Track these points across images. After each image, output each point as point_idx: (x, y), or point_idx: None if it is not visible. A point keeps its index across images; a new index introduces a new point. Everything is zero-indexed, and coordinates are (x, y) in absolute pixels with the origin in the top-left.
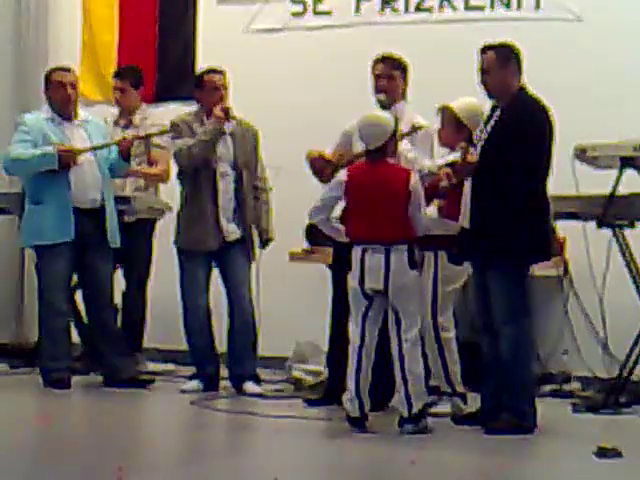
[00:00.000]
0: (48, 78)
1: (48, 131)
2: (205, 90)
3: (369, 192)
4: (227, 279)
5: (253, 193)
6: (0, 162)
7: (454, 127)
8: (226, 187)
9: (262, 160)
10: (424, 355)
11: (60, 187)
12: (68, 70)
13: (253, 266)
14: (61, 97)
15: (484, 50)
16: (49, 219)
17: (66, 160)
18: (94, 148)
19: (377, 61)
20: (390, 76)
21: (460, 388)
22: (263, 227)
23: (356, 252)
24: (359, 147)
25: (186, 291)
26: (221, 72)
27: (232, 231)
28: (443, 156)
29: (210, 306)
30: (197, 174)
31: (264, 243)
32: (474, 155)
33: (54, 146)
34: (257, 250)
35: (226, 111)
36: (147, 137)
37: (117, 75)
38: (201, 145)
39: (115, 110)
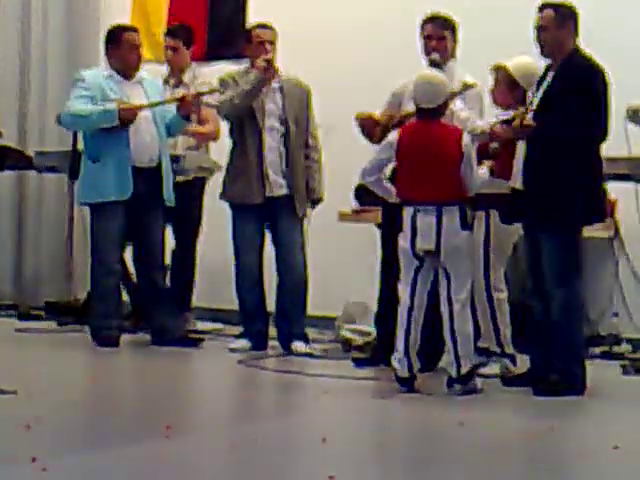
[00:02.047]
0: (117, 37)
1: (106, 88)
2: (252, 44)
3: (421, 153)
4: (276, 236)
5: (303, 150)
6: (60, 116)
7: (508, 87)
8: (273, 141)
9: (314, 118)
10: (474, 316)
11: (119, 145)
12: (136, 30)
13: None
14: (132, 60)
15: (542, 7)
16: (108, 177)
17: (126, 117)
18: (152, 105)
19: (426, 21)
20: (440, 36)
21: (510, 349)
22: (312, 186)
23: (407, 212)
24: (409, 107)
25: (236, 247)
26: (269, 27)
27: (280, 185)
28: (497, 116)
29: (262, 263)
30: (243, 128)
31: (313, 202)
32: (530, 119)
33: (115, 102)
34: (308, 209)
35: (268, 62)
36: (199, 96)
37: (169, 33)
38: (242, 95)
39: (165, 69)
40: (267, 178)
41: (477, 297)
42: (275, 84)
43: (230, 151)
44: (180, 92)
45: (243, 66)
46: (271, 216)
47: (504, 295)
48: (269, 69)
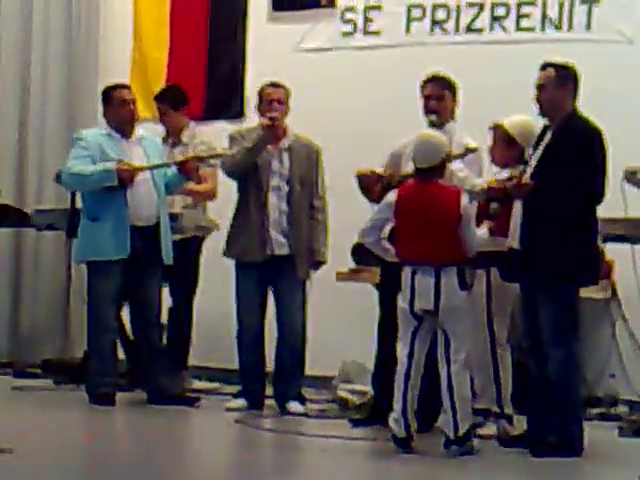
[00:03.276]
0: (109, 95)
1: (106, 147)
2: (263, 103)
3: (419, 213)
4: (277, 296)
5: (309, 211)
6: (60, 176)
7: (506, 145)
8: (278, 201)
9: (323, 179)
10: (470, 376)
11: (117, 204)
12: (128, 87)
13: None
14: (124, 115)
15: (544, 67)
16: (105, 235)
17: (125, 177)
18: (153, 167)
19: (427, 81)
20: (440, 96)
21: (509, 410)
22: (315, 247)
23: (406, 273)
24: (408, 168)
25: (238, 305)
26: (280, 86)
27: (281, 244)
28: (495, 174)
29: (264, 323)
30: (247, 185)
31: (316, 264)
32: (527, 179)
33: (114, 162)
34: (308, 270)
35: (272, 120)
36: (200, 159)
37: (156, 98)
38: (243, 152)
39: (163, 128)
40: (269, 237)
41: (481, 355)
42: (284, 143)
43: (235, 208)
44: (180, 154)
45: (255, 124)
46: (273, 275)
47: (507, 353)
48: (272, 127)
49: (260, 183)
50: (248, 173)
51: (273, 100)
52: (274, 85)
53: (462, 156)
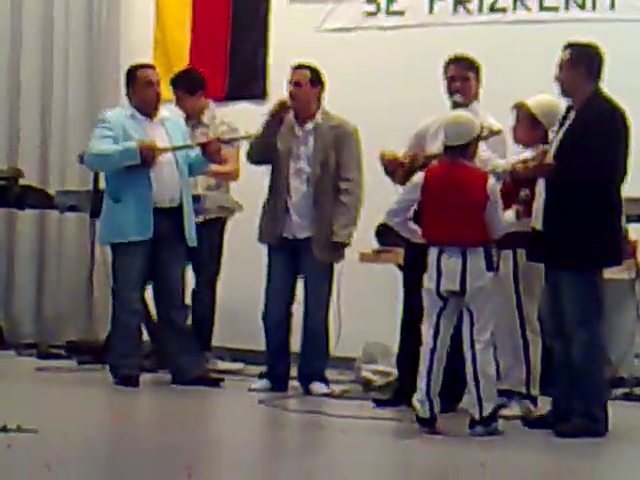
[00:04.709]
0: (134, 75)
1: (129, 128)
2: (290, 85)
3: (447, 195)
4: (304, 280)
5: (332, 194)
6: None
7: (529, 124)
8: (301, 185)
9: (358, 160)
10: (495, 357)
11: (141, 185)
12: (153, 68)
13: None
14: (149, 96)
15: (565, 47)
16: (129, 217)
17: (147, 155)
18: (176, 148)
19: (450, 62)
20: (464, 77)
21: (535, 391)
22: (334, 229)
23: (432, 254)
24: (432, 148)
25: (266, 287)
26: (303, 67)
27: (303, 228)
28: (518, 154)
29: (291, 305)
30: (272, 171)
31: (335, 246)
32: (551, 158)
33: (136, 140)
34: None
35: (280, 103)
36: (223, 141)
37: (171, 83)
38: (255, 137)
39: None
40: (290, 220)
41: (508, 335)
42: (309, 126)
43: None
44: (201, 135)
45: None
46: (298, 259)
47: (536, 335)
48: (280, 110)
49: (281, 167)
50: (271, 157)
51: (292, 82)
52: (297, 67)
53: (486, 138)
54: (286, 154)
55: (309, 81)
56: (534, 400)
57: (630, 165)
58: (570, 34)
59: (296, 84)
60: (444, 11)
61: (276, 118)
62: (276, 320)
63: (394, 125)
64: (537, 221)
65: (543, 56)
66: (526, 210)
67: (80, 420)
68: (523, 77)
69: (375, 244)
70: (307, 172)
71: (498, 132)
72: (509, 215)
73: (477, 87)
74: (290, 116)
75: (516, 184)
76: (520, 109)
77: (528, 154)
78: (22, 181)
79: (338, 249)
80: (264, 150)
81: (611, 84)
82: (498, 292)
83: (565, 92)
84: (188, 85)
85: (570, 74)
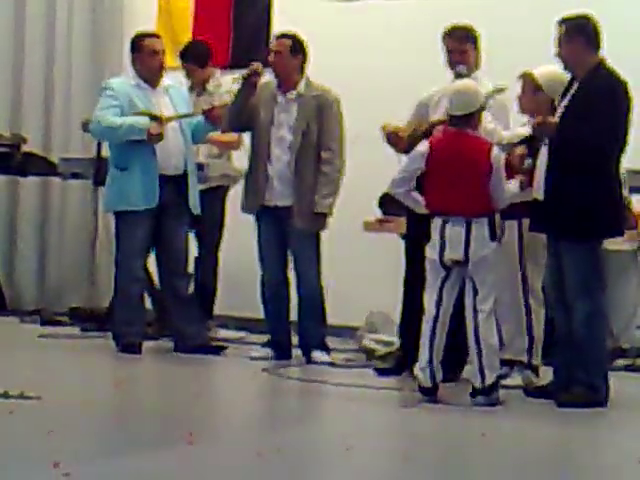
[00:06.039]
0: (139, 44)
1: (134, 98)
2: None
3: (450, 164)
4: (290, 248)
5: (314, 163)
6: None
7: (534, 94)
8: (282, 153)
9: (341, 130)
10: (497, 327)
11: (146, 154)
12: (158, 37)
13: (326, 236)
14: (154, 65)
15: (559, 22)
16: (134, 185)
17: (154, 140)
18: (181, 116)
19: (447, 34)
20: (462, 51)
21: (537, 360)
22: (314, 199)
23: (436, 223)
24: (435, 117)
25: (259, 257)
26: (281, 36)
27: (284, 195)
28: (524, 124)
29: (287, 273)
30: (252, 139)
31: (316, 215)
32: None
33: (146, 120)
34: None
35: (251, 68)
36: (226, 107)
37: (180, 56)
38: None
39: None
40: (272, 188)
41: (511, 305)
42: (292, 95)
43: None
44: (205, 103)
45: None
46: (284, 227)
47: (540, 305)
48: (252, 75)
49: (262, 135)
50: (250, 124)
51: (273, 51)
52: (279, 36)
53: (492, 95)
54: (267, 122)
55: (289, 50)
56: (536, 370)
57: (632, 136)
58: (571, 3)
59: (276, 53)
60: None
61: (249, 83)
62: (273, 288)
63: (400, 91)
64: (538, 191)
65: (545, 26)
66: (530, 180)
67: (82, 387)
68: (525, 47)
69: (378, 213)
70: (289, 140)
71: (504, 88)
72: (513, 185)
73: (477, 57)
74: (273, 85)
75: (512, 171)
76: (525, 79)
77: (523, 130)
78: (25, 148)
79: (319, 219)
80: (240, 116)
81: (612, 55)
82: (502, 262)
83: (568, 66)
84: (198, 58)
85: (569, 48)
